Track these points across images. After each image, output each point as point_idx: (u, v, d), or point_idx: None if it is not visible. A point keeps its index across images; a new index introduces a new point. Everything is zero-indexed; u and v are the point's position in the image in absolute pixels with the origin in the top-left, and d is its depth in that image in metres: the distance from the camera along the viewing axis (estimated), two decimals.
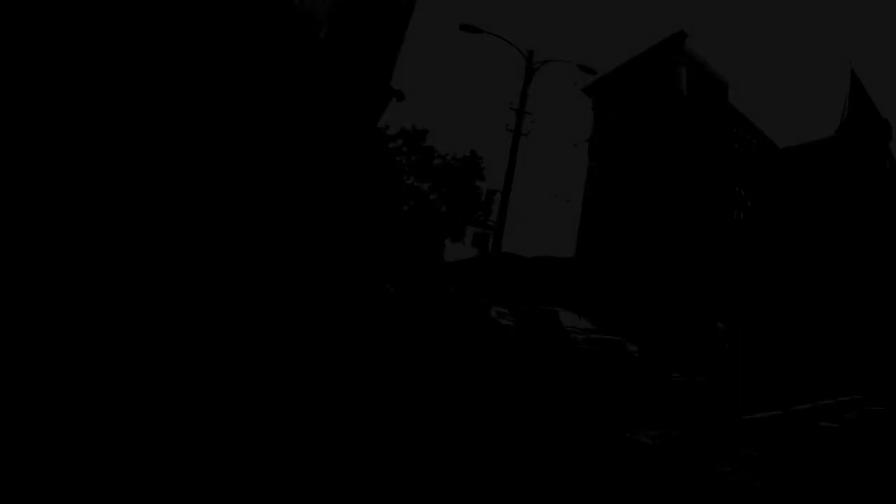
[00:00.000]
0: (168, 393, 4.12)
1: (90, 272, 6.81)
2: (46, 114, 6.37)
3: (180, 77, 8.21)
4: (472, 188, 29.75)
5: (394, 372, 7.55)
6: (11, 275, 5.89)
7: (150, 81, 7.84)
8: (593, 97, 41.89)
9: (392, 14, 11.67)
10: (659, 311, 30.67)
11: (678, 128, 33.27)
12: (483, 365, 10.23)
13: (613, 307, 32.97)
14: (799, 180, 41.27)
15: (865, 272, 34.30)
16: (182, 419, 3.54)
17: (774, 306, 37.11)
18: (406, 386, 6.72)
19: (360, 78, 10.57)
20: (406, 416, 5.00)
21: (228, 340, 7.37)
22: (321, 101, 10.33)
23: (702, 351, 17.85)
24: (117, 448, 2.88)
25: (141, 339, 6.16)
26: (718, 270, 34.46)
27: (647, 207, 33.34)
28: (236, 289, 8.88)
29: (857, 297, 33.85)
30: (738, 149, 38.43)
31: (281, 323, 9.34)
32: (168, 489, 2.49)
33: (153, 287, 7.67)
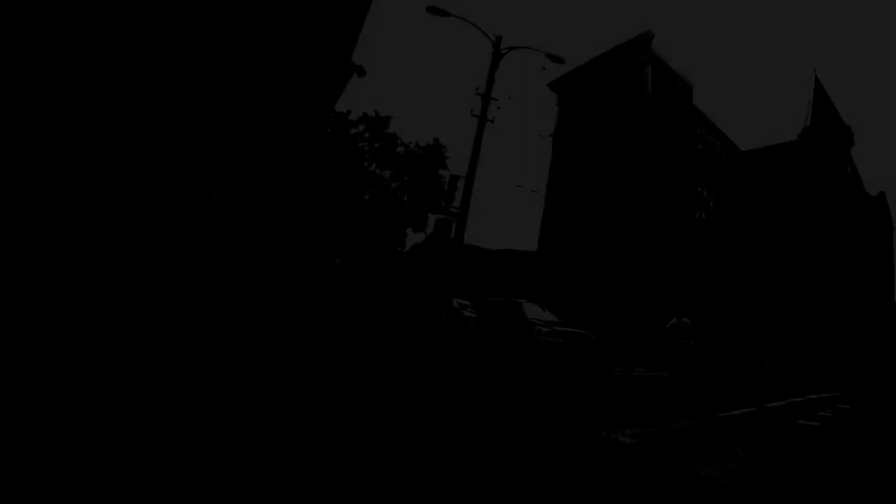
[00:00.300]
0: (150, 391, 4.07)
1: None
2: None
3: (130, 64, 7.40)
4: (436, 177, 29.18)
5: (347, 368, 6.97)
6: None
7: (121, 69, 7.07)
8: (558, 93, 41.84)
9: None
10: (622, 306, 30.78)
11: (642, 127, 33.51)
12: (446, 358, 9.71)
13: (577, 301, 33.06)
14: (762, 182, 42.08)
15: (825, 273, 35.18)
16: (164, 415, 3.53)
17: (739, 304, 37.81)
18: (363, 382, 6.17)
19: (317, 50, 9.81)
20: (362, 414, 4.51)
21: (163, 331, 6.67)
22: (272, 74, 9.54)
23: (666, 346, 17.71)
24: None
25: (120, 338, 5.79)
26: (681, 268, 34.86)
27: (611, 204, 33.56)
28: (171, 280, 8.08)
29: (817, 298, 34.68)
30: (701, 150, 39.02)
31: (208, 319, 8.58)
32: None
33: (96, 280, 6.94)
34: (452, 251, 13.19)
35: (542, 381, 9.17)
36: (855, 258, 38.66)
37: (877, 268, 42.56)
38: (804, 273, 36.74)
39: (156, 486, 2.46)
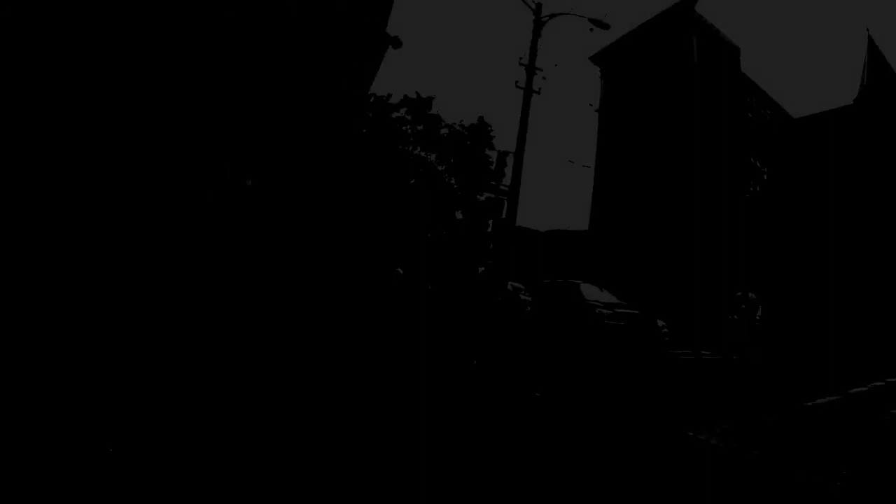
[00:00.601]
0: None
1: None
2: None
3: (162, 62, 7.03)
4: (482, 157, 28.38)
5: (396, 361, 6.46)
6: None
7: (143, 73, 6.75)
8: (601, 66, 40.43)
9: None
10: (679, 284, 29.45)
11: (689, 96, 31.99)
12: (505, 345, 9.10)
13: (632, 280, 31.84)
14: (817, 150, 39.33)
15: (879, 249, 32.60)
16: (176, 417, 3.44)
17: (802, 280, 35.62)
18: (410, 376, 5.64)
19: (351, 22, 9.22)
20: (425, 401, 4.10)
21: (220, 335, 6.34)
22: (306, 53, 9.01)
23: (730, 324, 16.56)
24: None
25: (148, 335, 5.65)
26: (738, 243, 33.13)
27: (662, 178, 32.19)
28: (222, 280, 7.73)
29: (886, 272, 32.25)
30: (751, 118, 36.90)
31: (272, 316, 8.19)
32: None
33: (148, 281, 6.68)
34: (505, 232, 12.48)
35: (608, 368, 8.44)
36: None
37: None
38: (872, 245, 34.27)
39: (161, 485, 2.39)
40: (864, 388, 9.03)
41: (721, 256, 30.83)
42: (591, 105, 27.64)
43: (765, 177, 37.15)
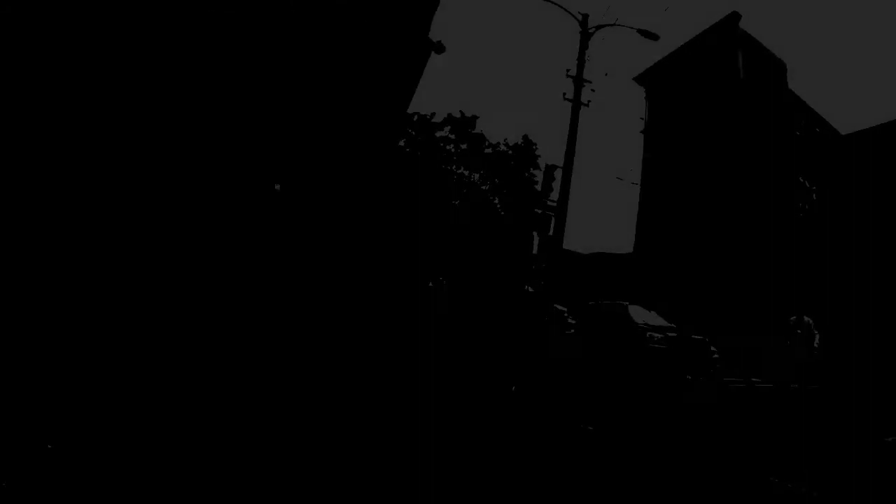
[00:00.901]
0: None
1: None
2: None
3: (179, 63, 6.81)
4: (526, 177, 27.77)
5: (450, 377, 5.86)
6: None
7: (150, 71, 6.55)
8: (645, 86, 39.66)
9: None
10: (728, 308, 27.95)
11: (736, 114, 30.89)
12: (550, 372, 8.35)
13: (678, 303, 30.48)
14: (869, 168, 36.95)
15: None
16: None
17: (858, 305, 33.34)
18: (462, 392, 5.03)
19: (393, 25, 8.80)
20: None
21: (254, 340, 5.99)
22: (347, 57, 8.61)
23: (785, 350, 15.19)
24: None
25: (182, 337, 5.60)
26: (789, 265, 31.40)
27: (707, 199, 31.07)
28: (257, 289, 7.29)
29: None
30: (798, 136, 35.31)
31: (299, 327, 7.69)
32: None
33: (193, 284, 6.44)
34: (552, 248, 11.75)
35: (663, 397, 7.59)
36: None
37: None
38: None
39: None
40: None
41: (770, 279, 29.19)
42: (641, 120, 26.67)
43: (814, 196, 35.32)
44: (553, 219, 12.27)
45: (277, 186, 6.64)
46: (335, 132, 8.30)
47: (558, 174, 12.46)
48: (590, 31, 15.66)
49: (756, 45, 33.56)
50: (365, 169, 9.01)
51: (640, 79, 39.19)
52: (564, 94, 14.45)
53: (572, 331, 16.05)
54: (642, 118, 37.48)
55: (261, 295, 6.93)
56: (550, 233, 12.25)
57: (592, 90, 14.87)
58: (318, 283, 7.76)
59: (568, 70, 14.90)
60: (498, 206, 27.98)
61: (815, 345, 12.50)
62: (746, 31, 32.51)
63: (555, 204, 12.42)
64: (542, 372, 8.20)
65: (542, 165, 30.61)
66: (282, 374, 5.12)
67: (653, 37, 16.00)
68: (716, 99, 32.56)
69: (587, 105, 14.67)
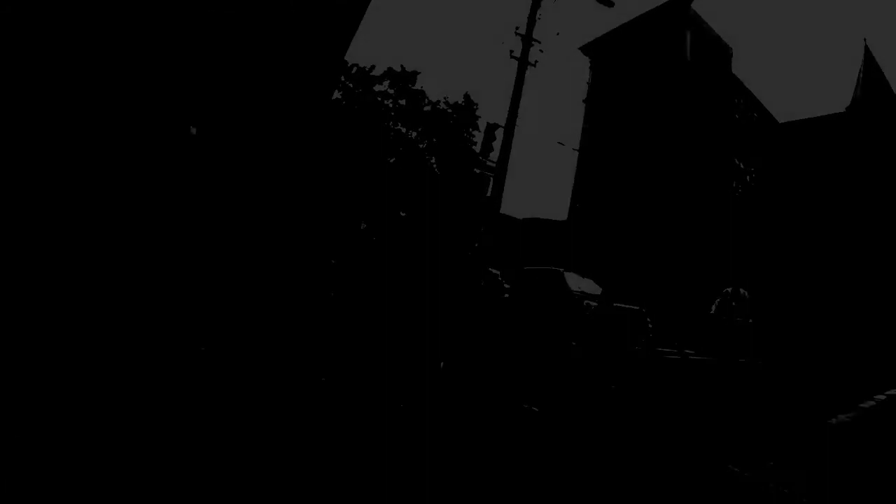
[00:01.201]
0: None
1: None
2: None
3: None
4: (465, 137, 27.18)
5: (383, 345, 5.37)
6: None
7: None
8: (591, 57, 39.76)
9: None
10: (659, 280, 28.88)
11: (679, 93, 31.60)
12: (481, 341, 8.01)
13: (611, 272, 31.28)
14: (803, 156, 38.94)
15: (875, 253, 32.43)
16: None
17: (791, 282, 35.39)
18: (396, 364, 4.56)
19: None
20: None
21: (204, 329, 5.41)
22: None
23: (719, 324, 15.69)
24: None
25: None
26: (720, 242, 32.81)
27: (645, 172, 31.87)
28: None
29: (869, 280, 32.08)
30: (738, 119, 36.60)
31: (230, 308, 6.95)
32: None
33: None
34: (489, 210, 11.32)
35: (603, 370, 7.42)
36: None
37: None
38: (853, 251, 34.05)
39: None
40: (880, 399, 8.29)
41: (704, 253, 30.37)
42: (585, 86, 26.49)
43: (748, 178, 36.88)
44: (492, 180, 11.83)
45: (193, 130, 5.79)
46: (262, 70, 7.42)
47: (499, 133, 12.00)
48: None
49: (704, 27, 34.23)
50: (296, 116, 8.18)
51: (585, 49, 39.16)
52: (511, 51, 13.87)
53: (506, 296, 15.88)
54: (588, 83, 37.53)
55: (168, 253, 6.15)
56: (488, 194, 11.82)
57: (541, 51, 14.36)
58: (233, 240, 7.00)
59: (517, 28, 14.30)
60: (434, 165, 27.32)
61: (749, 321, 12.81)
62: (697, 12, 32.81)
63: (494, 164, 11.96)
64: (477, 341, 7.84)
65: (483, 126, 30.16)
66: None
67: (608, 3, 15.61)
68: (660, 76, 33.13)
69: (534, 65, 14.17)
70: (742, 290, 15.07)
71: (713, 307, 14.61)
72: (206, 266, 6.38)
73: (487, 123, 11.38)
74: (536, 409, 4.19)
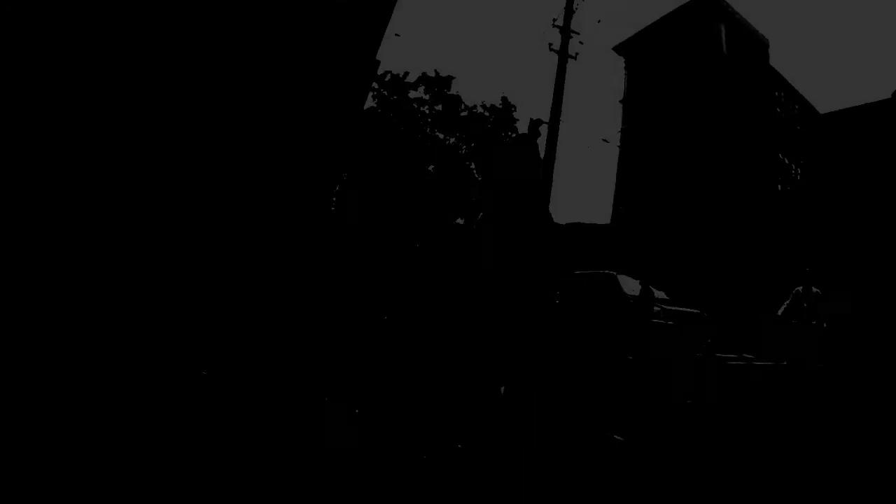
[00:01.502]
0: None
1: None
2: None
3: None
4: (504, 140, 26.57)
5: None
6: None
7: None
8: (625, 56, 38.49)
9: None
10: (709, 280, 27.47)
11: (717, 89, 30.00)
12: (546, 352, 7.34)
13: (659, 277, 30.06)
14: (850, 147, 36.46)
15: None
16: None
17: (852, 282, 33.30)
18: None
19: None
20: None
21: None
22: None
23: (784, 326, 14.39)
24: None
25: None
26: (777, 241, 31.07)
27: (687, 173, 30.42)
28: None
29: None
30: (779, 113, 34.69)
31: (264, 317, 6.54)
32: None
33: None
34: (537, 217, 10.60)
35: (668, 381, 6.65)
36: None
37: None
38: None
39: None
40: None
41: (755, 253, 28.77)
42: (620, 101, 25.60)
43: (793, 173, 34.82)
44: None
45: (191, 128, 5.41)
46: (284, 73, 6.93)
47: (544, 130, 11.26)
48: None
49: (739, 20, 32.60)
50: (326, 124, 7.67)
51: (619, 48, 38.00)
52: (550, 44, 13.16)
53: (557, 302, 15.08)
54: (624, 83, 36.57)
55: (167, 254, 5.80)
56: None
57: (581, 42, 13.61)
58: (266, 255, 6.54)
59: (555, 19, 13.60)
60: (474, 170, 26.77)
61: (823, 324, 11.55)
62: (730, 5, 31.37)
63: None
64: (549, 360, 7.18)
65: (519, 130, 29.40)
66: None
67: None
68: (697, 73, 31.67)
69: (574, 58, 13.41)
70: (815, 289, 13.62)
71: (782, 308, 13.27)
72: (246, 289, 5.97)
73: (531, 119, 10.65)
74: (621, 438, 3.52)
